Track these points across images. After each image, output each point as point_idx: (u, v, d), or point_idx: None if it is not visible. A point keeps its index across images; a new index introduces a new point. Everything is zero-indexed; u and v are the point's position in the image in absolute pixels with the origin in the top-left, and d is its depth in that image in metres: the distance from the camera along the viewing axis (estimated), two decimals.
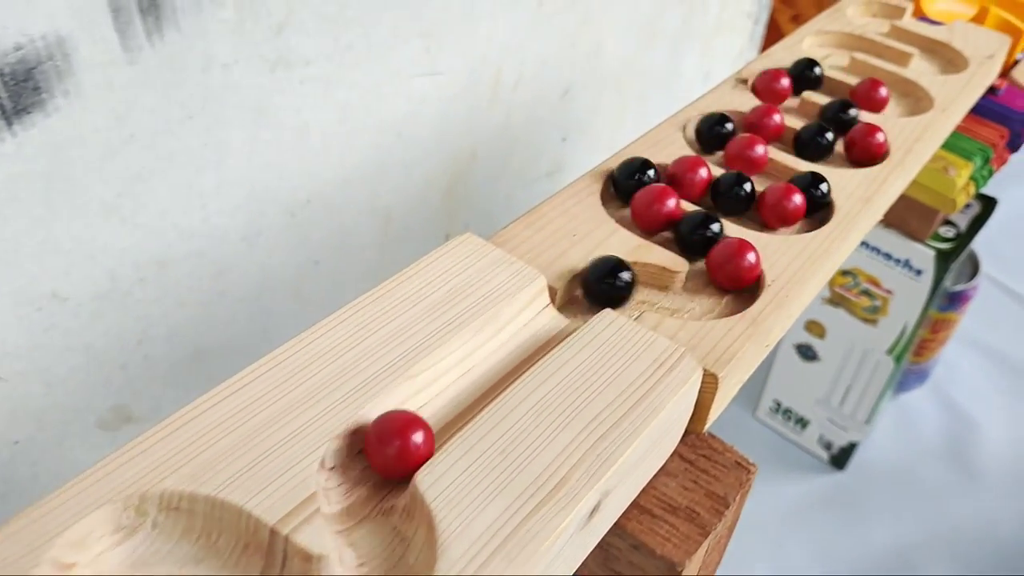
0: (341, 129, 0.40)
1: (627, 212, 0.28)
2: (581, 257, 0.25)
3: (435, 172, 0.48)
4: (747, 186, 0.28)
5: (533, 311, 0.23)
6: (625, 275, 0.24)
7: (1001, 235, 0.75)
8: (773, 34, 0.93)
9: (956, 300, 0.57)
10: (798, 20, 0.97)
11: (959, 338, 0.68)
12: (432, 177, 0.48)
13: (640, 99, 0.64)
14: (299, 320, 0.44)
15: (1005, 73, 0.47)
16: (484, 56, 0.47)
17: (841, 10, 0.44)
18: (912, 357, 0.61)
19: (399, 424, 0.19)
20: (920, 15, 0.48)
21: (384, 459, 0.18)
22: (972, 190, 0.42)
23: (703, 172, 0.29)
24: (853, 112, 0.34)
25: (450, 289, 0.23)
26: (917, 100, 0.38)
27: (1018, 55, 0.50)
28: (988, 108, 0.44)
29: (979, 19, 0.47)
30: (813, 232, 0.28)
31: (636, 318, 0.24)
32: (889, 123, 0.34)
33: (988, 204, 0.51)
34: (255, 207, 0.39)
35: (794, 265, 0.26)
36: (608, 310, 0.23)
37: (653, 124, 0.68)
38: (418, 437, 0.18)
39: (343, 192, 0.43)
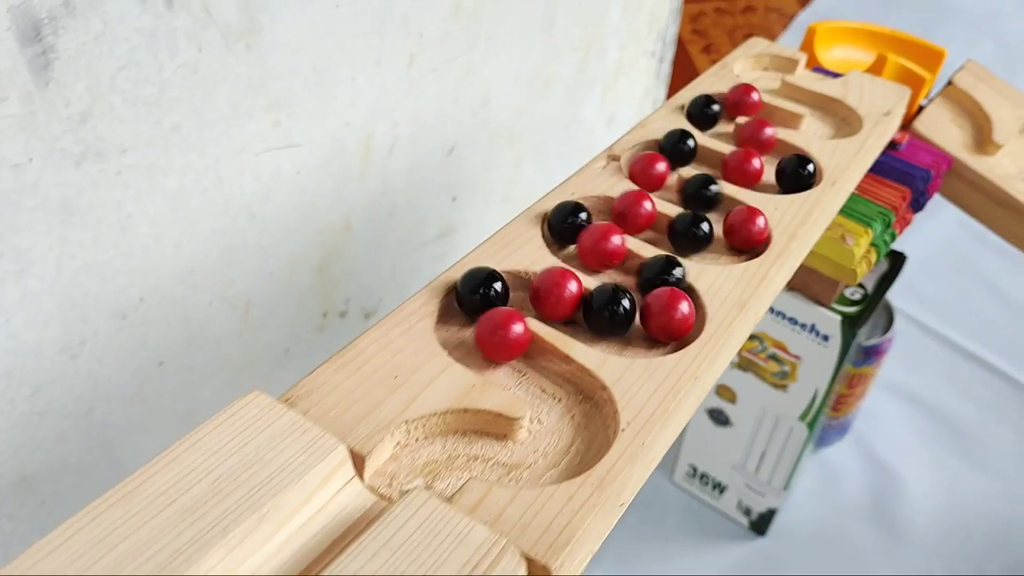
0: (175, 218, 0.36)
1: (470, 333, 0.25)
2: (403, 405, 0.21)
3: (301, 250, 0.44)
4: (624, 304, 0.25)
5: (329, 491, 0.19)
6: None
7: (920, 273, 0.74)
8: (684, 67, 0.91)
9: (871, 354, 0.55)
10: (710, 51, 0.95)
11: (880, 384, 0.66)
12: (298, 255, 0.44)
13: (537, 150, 0.61)
14: (146, 426, 0.39)
15: (906, 125, 0.45)
16: (349, 122, 0.42)
17: (728, 66, 0.41)
18: (830, 412, 0.59)
19: None
20: (815, 65, 0.45)
21: None
22: (874, 258, 0.39)
23: (572, 287, 0.25)
24: (715, 188, 0.31)
25: (218, 476, 0.18)
26: None
27: (923, 101, 0.48)
28: (889, 166, 0.41)
29: (877, 68, 0.44)
30: (678, 353, 0.24)
31: (460, 488, 0.20)
32: (772, 203, 0.31)
33: (897, 260, 0.48)
34: (73, 315, 0.34)
35: (655, 399, 0.23)
36: (419, 488, 0.19)
37: (554, 173, 0.65)
38: None
39: (185, 284, 0.38)
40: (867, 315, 0.45)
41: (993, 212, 0.43)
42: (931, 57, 0.46)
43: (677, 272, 0.27)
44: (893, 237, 0.40)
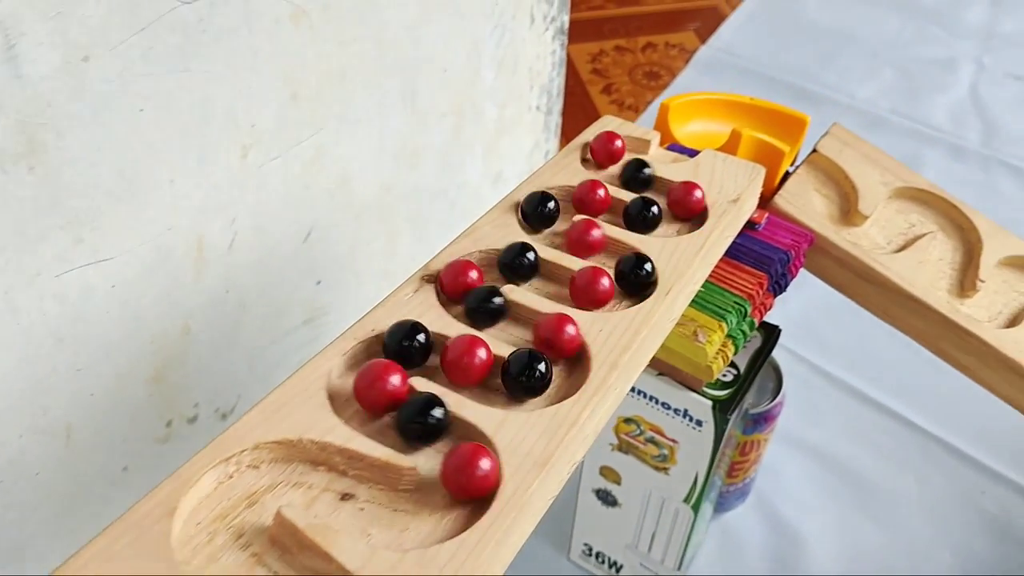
0: None
1: None
2: None
3: (128, 364, 0.40)
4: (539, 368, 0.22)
5: None
6: None
7: (817, 314, 0.73)
8: (585, 109, 0.89)
9: (761, 421, 0.53)
10: (610, 91, 0.94)
11: (781, 438, 0.65)
12: (125, 371, 0.40)
13: (413, 220, 0.58)
14: None
15: (767, 201, 0.43)
16: (171, 227, 0.39)
17: (572, 152, 0.39)
18: (727, 479, 0.57)
19: None
20: (670, 142, 0.43)
21: None
22: (731, 351, 0.37)
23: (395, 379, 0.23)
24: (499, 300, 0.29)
25: None
26: None
27: (790, 168, 0.46)
28: (746, 249, 0.39)
29: (732, 144, 0.42)
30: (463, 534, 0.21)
31: None
32: (597, 324, 0.29)
33: (771, 333, 0.46)
34: None
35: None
36: None
37: (437, 240, 0.62)
38: None
39: None
40: (741, 395, 0.43)
41: (861, 288, 0.42)
42: (792, 126, 0.45)
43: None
44: (752, 326, 0.38)
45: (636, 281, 0.31)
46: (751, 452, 0.55)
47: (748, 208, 0.38)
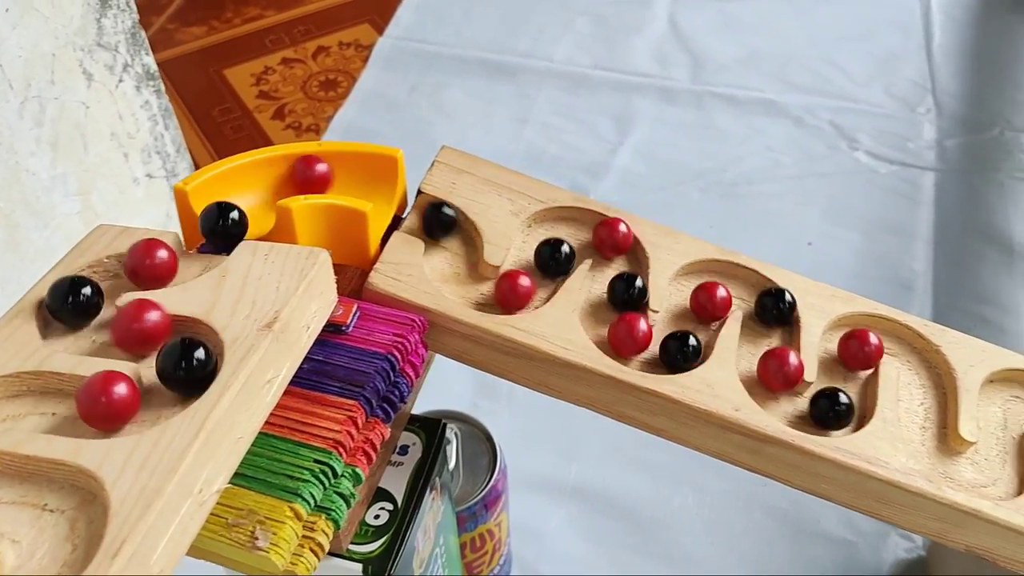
0: None
1: None
2: None
3: None
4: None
5: None
6: None
7: None
8: (255, 145, 0.76)
9: (481, 510, 0.43)
10: (284, 114, 0.81)
11: (534, 489, 0.55)
12: None
13: None
14: None
15: (354, 290, 0.32)
16: None
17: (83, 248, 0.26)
18: None
19: None
20: (200, 242, 0.31)
21: None
22: (325, 537, 0.26)
23: None
24: None
25: None
26: None
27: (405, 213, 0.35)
28: (329, 367, 0.28)
29: (284, 224, 0.30)
30: None
31: None
32: None
33: (431, 430, 0.36)
34: None
35: None
36: None
37: None
38: None
39: None
40: (403, 537, 0.32)
41: (506, 364, 0.32)
42: (380, 167, 0.34)
43: None
44: (358, 480, 0.27)
45: None
46: (487, 543, 0.45)
47: (304, 323, 0.27)
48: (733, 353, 0.32)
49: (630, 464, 0.56)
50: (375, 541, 0.32)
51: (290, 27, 0.91)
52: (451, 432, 0.45)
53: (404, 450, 0.35)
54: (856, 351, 0.33)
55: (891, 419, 0.31)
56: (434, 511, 0.36)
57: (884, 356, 0.33)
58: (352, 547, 0.32)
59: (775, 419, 0.31)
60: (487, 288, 0.33)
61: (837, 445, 0.30)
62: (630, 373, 0.30)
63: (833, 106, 0.79)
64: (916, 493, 0.30)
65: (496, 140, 0.78)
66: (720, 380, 0.31)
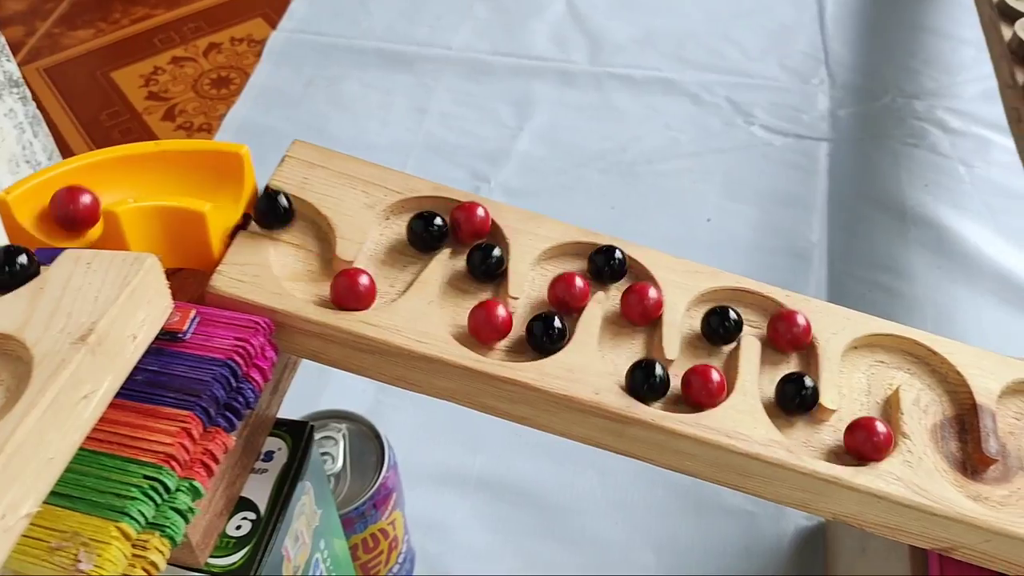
0: None
1: None
2: None
3: None
4: None
5: None
6: None
7: None
8: None
9: (370, 510, 0.42)
10: (174, 115, 0.78)
11: (439, 481, 0.54)
12: None
13: None
14: None
15: (200, 294, 0.31)
16: None
17: None
18: None
19: None
20: (39, 246, 0.30)
21: None
22: (160, 556, 0.25)
23: None
24: None
25: None
26: None
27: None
28: (164, 377, 0.27)
29: (112, 231, 0.29)
30: None
31: None
32: None
33: (297, 434, 0.35)
34: None
35: None
36: None
37: None
38: None
39: None
40: (268, 546, 0.31)
41: (363, 360, 0.31)
42: (224, 165, 0.32)
43: None
44: (196, 494, 0.26)
45: None
46: (380, 542, 0.44)
47: (129, 333, 0.26)
48: (594, 337, 0.32)
49: (535, 451, 0.56)
50: (236, 553, 0.31)
51: (180, 25, 0.88)
52: (338, 433, 0.44)
53: (269, 456, 0.34)
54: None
55: (751, 392, 0.31)
56: (308, 515, 0.35)
57: (745, 329, 0.33)
58: (212, 560, 0.31)
59: (635, 400, 0.30)
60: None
61: (698, 421, 0.30)
62: (486, 362, 0.30)
63: (729, 82, 0.80)
64: (776, 464, 0.30)
65: (394, 131, 0.76)
66: (581, 364, 0.31)
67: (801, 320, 0.33)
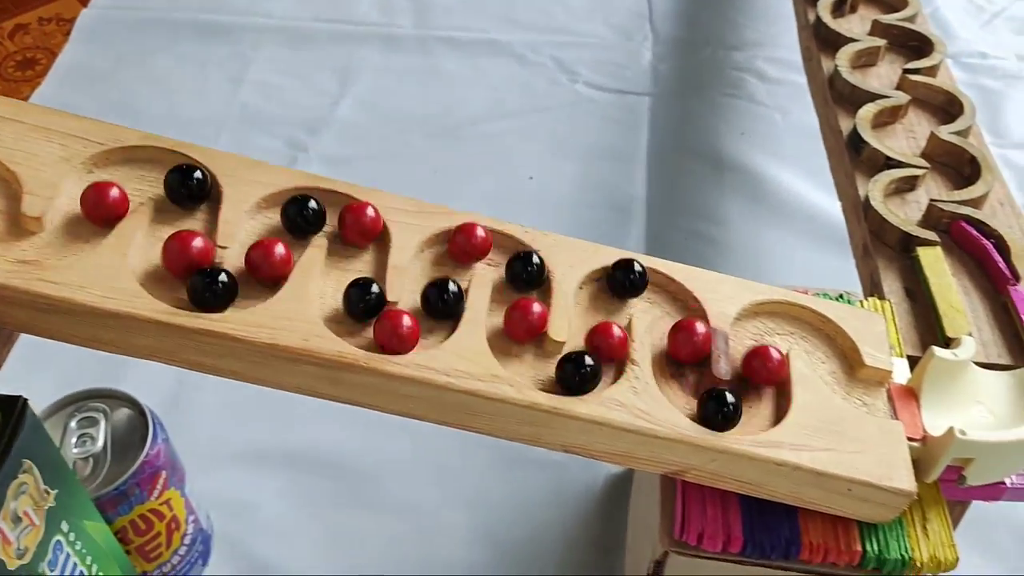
0: None
1: None
2: None
3: None
4: None
5: None
6: None
7: None
8: None
9: (135, 488, 0.40)
10: None
11: (245, 460, 0.52)
12: None
13: None
14: None
15: None
16: None
17: None
18: (146, 567, 0.43)
19: None
20: None
21: None
22: None
23: None
24: None
25: None
26: None
27: None
28: None
29: None
30: None
31: None
32: None
33: (7, 410, 0.32)
34: None
35: None
36: None
37: None
38: None
39: None
40: None
41: (47, 323, 0.29)
42: None
43: None
44: None
45: None
46: (155, 524, 0.42)
47: None
48: (307, 279, 0.30)
49: (346, 422, 0.54)
50: None
51: None
52: (98, 413, 0.42)
53: None
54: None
55: (473, 329, 0.30)
56: (34, 496, 0.33)
57: (478, 266, 0.32)
58: None
59: (347, 344, 0.29)
60: (29, 243, 0.29)
61: (414, 361, 0.29)
62: (181, 315, 0.28)
63: (555, 41, 0.79)
64: (497, 400, 0.29)
65: (208, 105, 0.73)
66: (290, 311, 0.29)
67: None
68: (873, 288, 0.41)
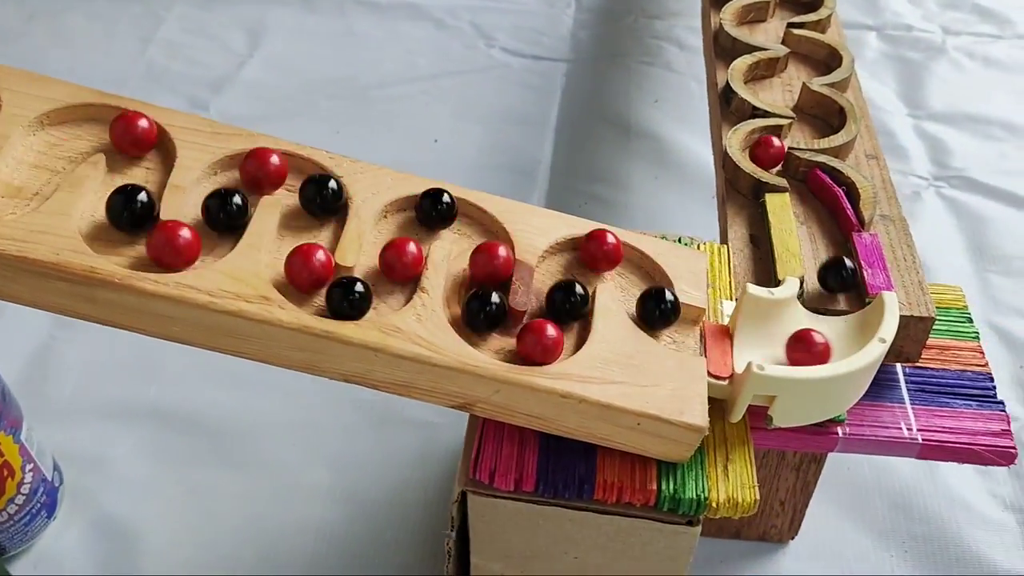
0: None
1: None
2: None
3: None
4: None
5: None
6: None
7: None
8: None
9: None
10: None
11: (108, 415, 0.51)
12: None
13: None
14: None
15: None
16: None
17: None
18: None
19: None
20: None
21: None
22: None
23: None
24: None
25: None
26: None
27: None
28: None
29: None
30: None
31: None
32: None
33: None
34: None
35: None
36: None
37: None
38: None
39: None
40: None
41: None
42: None
43: None
44: None
45: None
46: None
47: None
48: (74, 195, 0.29)
49: (218, 379, 0.52)
50: None
51: None
52: None
53: None
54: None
55: (251, 252, 0.29)
56: None
57: (278, 192, 0.31)
58: None
59: (104, 259, 0.27)
60: None
61: (173, 279, 0.27)
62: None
63: (475, 6, 0.78)
64: (266, 322, 0.28)
65: (114, 63, 0.72)
66: (45, 225, 0.28)
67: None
68: (723, 236, 0.39)
